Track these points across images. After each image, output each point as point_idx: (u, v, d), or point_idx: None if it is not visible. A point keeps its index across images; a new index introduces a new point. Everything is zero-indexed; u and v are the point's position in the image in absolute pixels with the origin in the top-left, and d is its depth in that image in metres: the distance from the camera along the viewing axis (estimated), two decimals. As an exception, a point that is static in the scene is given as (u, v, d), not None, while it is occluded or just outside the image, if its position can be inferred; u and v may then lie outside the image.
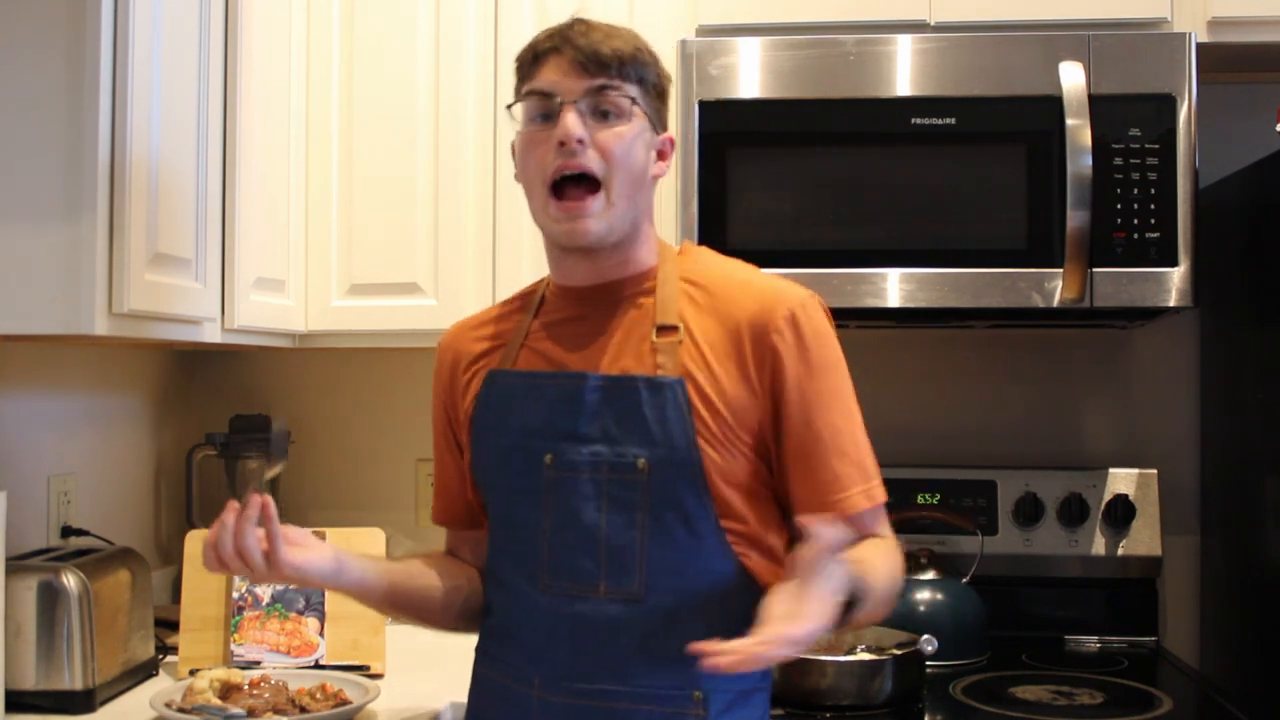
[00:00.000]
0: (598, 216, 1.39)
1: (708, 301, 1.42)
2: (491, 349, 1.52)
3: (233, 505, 1.36)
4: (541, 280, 1.56)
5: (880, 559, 1.36)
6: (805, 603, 1.18)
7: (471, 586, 1.55)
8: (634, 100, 1.41)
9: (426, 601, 1.51)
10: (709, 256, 1.51)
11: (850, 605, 1.24)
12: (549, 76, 1.41)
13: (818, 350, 1.39)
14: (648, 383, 1.38)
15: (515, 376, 1.47)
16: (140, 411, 2.48)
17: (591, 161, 1.38)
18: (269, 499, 1.36)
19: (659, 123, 1.47)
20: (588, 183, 1.39)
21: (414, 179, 2.32)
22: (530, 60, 1.44)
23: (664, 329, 1.41)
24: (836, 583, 1.21)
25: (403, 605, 1.50)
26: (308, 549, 1.39)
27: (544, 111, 1.41)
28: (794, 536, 1.42)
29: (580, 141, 1.38)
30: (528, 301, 1.55)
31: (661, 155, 1.47)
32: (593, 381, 1.41)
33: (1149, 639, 2.42)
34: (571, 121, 1.38)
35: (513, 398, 1.46)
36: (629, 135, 1.40)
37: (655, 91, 1.45)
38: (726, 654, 1.14)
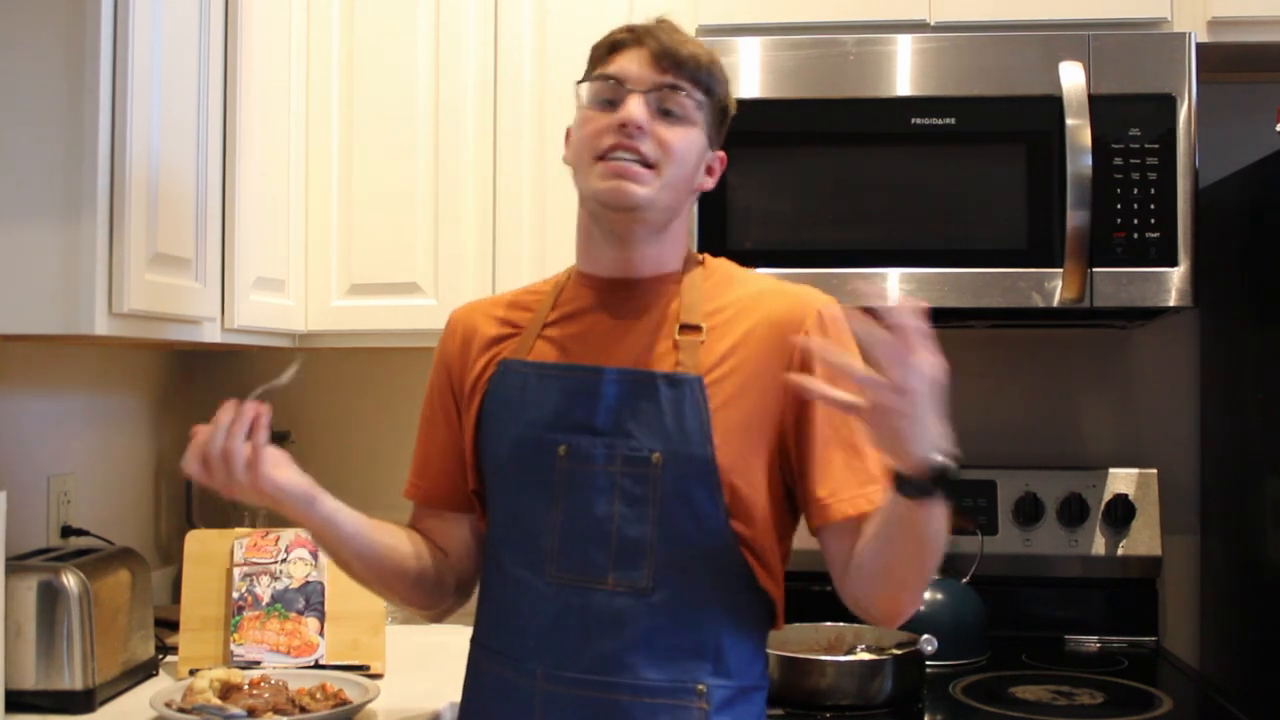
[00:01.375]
0: (645, 184, 1.41)
1: (732, 304, 1.44)
2: (506, 334, 1.52)
3: (229, 404, 1.36)
4: (562, 272, 1.56)
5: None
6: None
7: (436, 564, 1.53)
8: (699, 107, 1.45)
9: (386, 559, 1.48)
10: (731, 265, 1.53)
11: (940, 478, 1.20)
12: (623, 65, 1.44)
13: (837, 343, 1.39)
14: (667, 379, 1.39)
15: (530, 367, 1.47)
16: (140, 411, 2.48)
17: (647, 148, 1.41)
18: (265, 407, 1.36)
19: (715, 139, 1.50)
20: (638, 164, 1.41)
21: (414, 179, 2.32)
22: (607, 48, 1.47)
23: (687, 328, 1.42)
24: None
25: (365, 556, 1.47)
26: (287, 470, 1.39)
27: (610, 97, 1.44)
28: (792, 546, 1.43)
29: (640, 128, 1.40)
30: (547, 291, 1.55)
31: (710, 171, 1.50)
32: (610, 375, 1.41)
33: (1149, 639, 2.42)
34: (636, 107, 1.41)
35: (526, 388, 1.46)
36: (688, 137, 1.44)
37: (718, 109, 1.49)
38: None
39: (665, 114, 1.42)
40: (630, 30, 1.46)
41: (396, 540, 1.51)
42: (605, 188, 1.41)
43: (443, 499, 1.57)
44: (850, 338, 1.40)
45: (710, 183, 1.51)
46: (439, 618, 1.59)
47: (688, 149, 1.44)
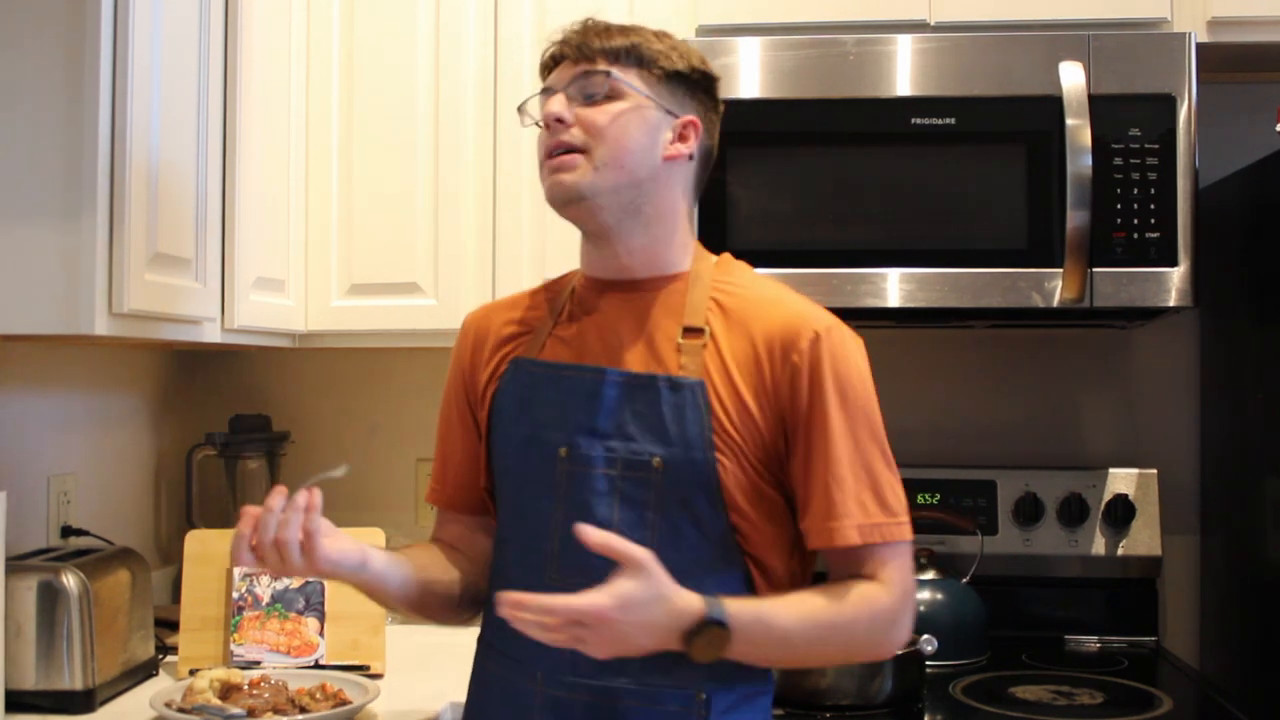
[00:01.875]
0: (577, 169, 1.42)
1: (736, 312, 1.43)
2: (519, 334, 1.52)
3: (280, 490, 1.35)
4: (574, 271, 1.57)
5: (814, 615, 1.35)
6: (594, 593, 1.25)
7: (468, 578, 1.54)
8: (637, 80, 1.43)
9: (430, 595, 1.50)
10: (745, 271, 1.51)
11: (697, 631, 1.27)
12: (552, 75, 1.48)
13: (835, 377, 1.38)
14: (668, 382, 1.39)
15: (539, 366, 1.47)
16: (140, 411, 2.48)
17: (574, 137, 1.42)
18: (319, 494, 1.35)
19: (677, 105, 1.46)
20: (568, 154, 1.43)
21: (414, 179, 2.32)
22: (543, 69, 1.51)
23: (690, 330, 1.42)
24: (627, 590, 1.25)
25: (411, 599, 1.48)
26: (338, 540, 1.39)
27: (544, 102, 1.48)
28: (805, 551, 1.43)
29: (560, 120, 1.42)
30: (559, 291, 1.55)
31: (681, 137, 1.46)
32: (612, 377, 1.41)
33: (1149, 639, 2.42)
34: (554, 104, 1.44)
35: (534, 387, 1.46)
36: (617, 110, 1.42)
37: (667, 75, 1.45)
38: (516, 606, 1.24)
39: (589, 99, 1.43)
40: (554, 44, 1.49)
41: (437, 572, 1.52)
42: (548, 190, 1.45)
43: (462, 503, 1.57)
44: (849, 357, 1.40)
45: (684, 148, 1.46)
46: (469, 622, 1.59)
47: (621, 123, 1.42)
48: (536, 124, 1.48)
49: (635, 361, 1.42)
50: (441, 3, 2.31)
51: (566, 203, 1.43)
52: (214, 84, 1.98)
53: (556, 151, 1.43)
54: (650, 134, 1.44)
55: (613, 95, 1.43)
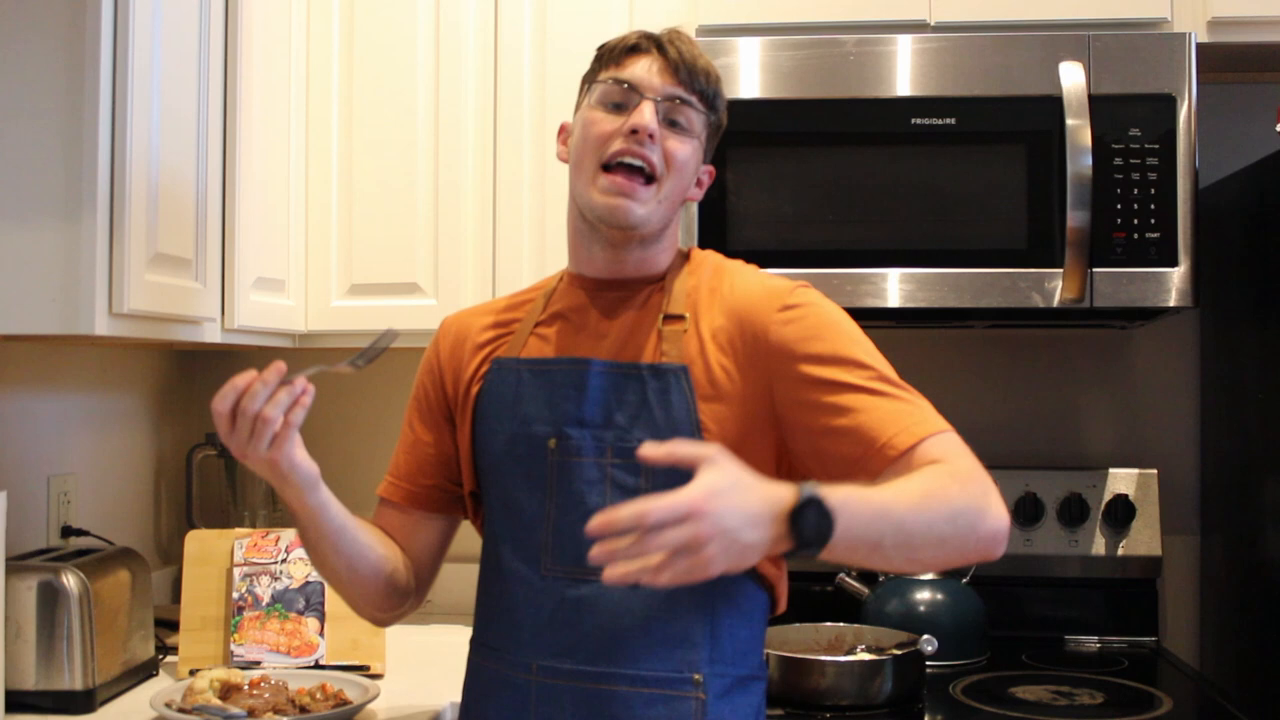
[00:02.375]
0: (644, 202, 1.43)
1: (714, 296, 1.45)
2: (499, 336, 1.54)
3: (279, 366, 1.33)
4: (553, 276, 1.58)
5: (905, 487, 1.26)
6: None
7: (398, 563, 1.53)
8: (703, 121, 1.47)
9: (364, 557, 1.47)
10: (716, 257, 1.54)
11: (799, 512, 1.16)
12: (637, 71, 1.45)
13: (818, 324, 1.40)
14: (652, 369, 1.40)
15: (521, 363, 1.48)
16: (140, 411, 2.48)
17: (655, 156, 1.42)
18: (312, 388, 1.35)
19: (708, 154, 1.52)
20: (642, 175, 1.43)
21: (414, 179, 2.32)
22: (620, 51, 1.48)
23: (670, 318, 1.44)
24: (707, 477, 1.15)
25: (345, 551, 1.45)
26: (303, 452, 1.38)
27: (620, 100, 1.45)
28: None
29: (652, 135, 1.42)
30: (538, 294, 1.56)
31: (699, 184, 1.52)
32: (596, 367, 1.43)
33: (1149, 639, 2.41)
34: (649, 113, 1.42)
35: (519, 384, 1.47)
36: (690, 149, 1.46)
37: (715, 125, 1.50)
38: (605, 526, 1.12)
39: (672, 124, 1.44)
40: (647, 37, 1.47)
41: (375, 539, 1.51)
42: (605, 205, 1.43)
43: (420, 499, 1.57)
44: (816, 302, 1.42)
45: (698, 194, 1.53)
46: (389, 622, 1.58)
47: (689, 161, 1.46)
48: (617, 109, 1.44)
49: (618, 352, 1.44)
50: (441, 3, 2.31)
51: (624, 227, 1.44)
52: (214, 84, 1.98)
53: (635, 163, 1.41)
54: (694, 176, 1.50)
55: (690, 129, 1.46)
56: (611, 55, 1.48)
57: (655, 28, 1.50)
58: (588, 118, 1.46)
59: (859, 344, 1.40)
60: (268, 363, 1.35)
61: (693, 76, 1.44)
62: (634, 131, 1.41)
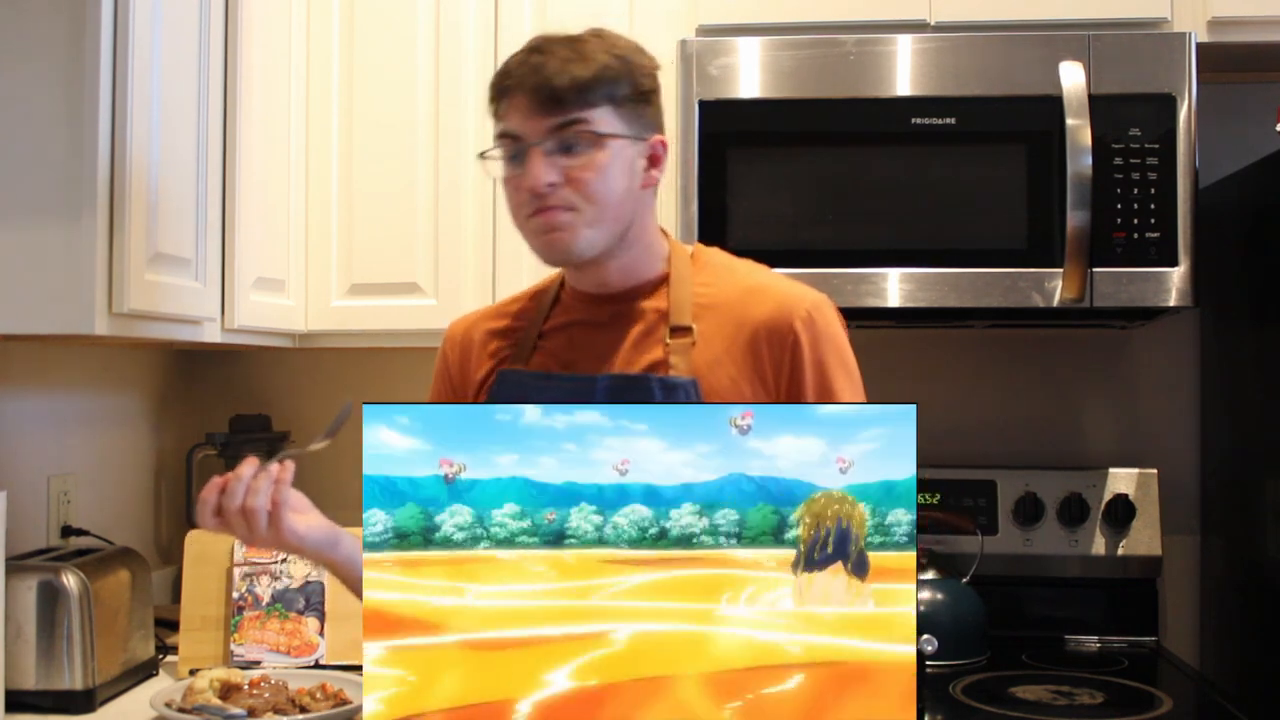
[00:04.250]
0: (573, 228, 1.38)
1: (722, 304, 1.44)
2: (505, 345, 1.53)
3: (251, 460, 1.36)
4: (555, 276, 1.57)
5: None
6: None
7: None
8: (602, 131, 1.38)
9: None
10: (722, 258, 1.51)
11: None
12: (512, 119, 1.40)
13: (833, 351, 1.41)
14: (661, 383, 1.39)
15: (528, 376, 1.48)
16: (140, 411, 2.48)
17: (564, 200, 1.37)
18: (290, 466, 1.36)
19: (644, 128, 1.43)
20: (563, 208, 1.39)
21: (414, 179, 2.32)
22: (495, 96, 1.43)
23: (677, 330, 1.42)
24: None
25: None
26: (308, 516, 1.40)
27: (514, 153, 1.40)
28: None
29: (551, 185, 1.37)
30: (541, 299, 1.55)
31: (653, 161, 1.45)
32: (604, 382, 1.41)
33: (1149, 639, 2.41)
34: (537, 169, 1.37)
35: (526, 397, 1.46)
36: (602, 163, 1.38)
37: (633, 99, 1.41)
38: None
39: (568, 149, 1.37)
40: (507, 73, 1.41)
41: None
42: (542, 245, 1.41)
43: None
44: (840, 332, 1.43)
45: (657, 174, 1.45)
46: None
47: (606, 176, 1.38)
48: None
49: (626, 366, 1.43)
50: (441, 3, 2.31)
51: (569, 260, 1.42)
52: (214, 84, 1.98)
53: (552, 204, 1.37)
54: (631, 174, 1.42)
55: (594, 142, 1.37)
56: (493, 102, 1.44)
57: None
58: (503, 177, 1.43)
59: (850, 379, 1.43)
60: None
61: (561, 97, 1.36)
62: (532, 192, 1.37)
